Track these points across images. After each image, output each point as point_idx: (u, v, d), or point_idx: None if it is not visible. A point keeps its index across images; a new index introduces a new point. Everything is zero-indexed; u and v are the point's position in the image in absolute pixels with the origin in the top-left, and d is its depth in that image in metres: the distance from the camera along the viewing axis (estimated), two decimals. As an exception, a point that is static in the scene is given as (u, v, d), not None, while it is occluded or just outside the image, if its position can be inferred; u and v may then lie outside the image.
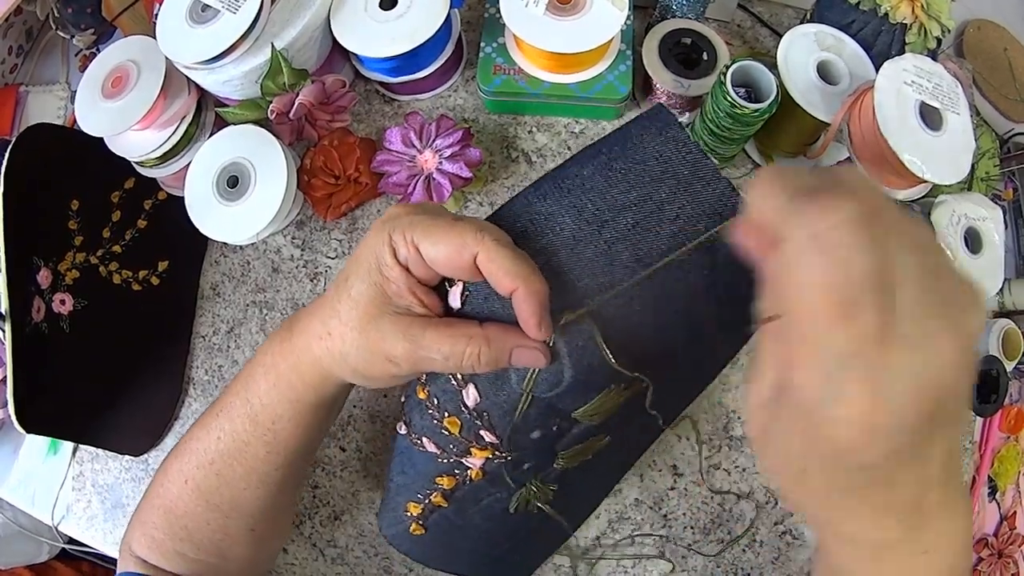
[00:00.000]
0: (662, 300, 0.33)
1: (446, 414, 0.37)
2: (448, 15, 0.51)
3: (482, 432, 0.36)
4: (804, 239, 0.20)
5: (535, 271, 0.30)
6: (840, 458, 0.21)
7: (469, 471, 0.39)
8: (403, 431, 0.39)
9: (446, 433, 0.37)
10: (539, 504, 0.42)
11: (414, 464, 0.40)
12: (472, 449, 0.38)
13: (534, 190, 0.33)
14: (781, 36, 0.51)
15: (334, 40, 0.52)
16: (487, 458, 0.38)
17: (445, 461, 0.39)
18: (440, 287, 0.33)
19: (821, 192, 0.20)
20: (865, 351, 0.19)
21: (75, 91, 0.52)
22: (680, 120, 0.32)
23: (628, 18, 0.54)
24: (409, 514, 0.42)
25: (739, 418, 0.54)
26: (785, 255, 0.20)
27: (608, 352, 0.31)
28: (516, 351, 0.32)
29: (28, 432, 0.48)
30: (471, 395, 0.35)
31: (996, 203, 0.55)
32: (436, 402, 0.37)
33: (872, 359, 0.19)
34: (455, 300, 0.33)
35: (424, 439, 0.38)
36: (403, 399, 0.39)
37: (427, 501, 0.41)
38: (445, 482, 0.40)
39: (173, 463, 0.40)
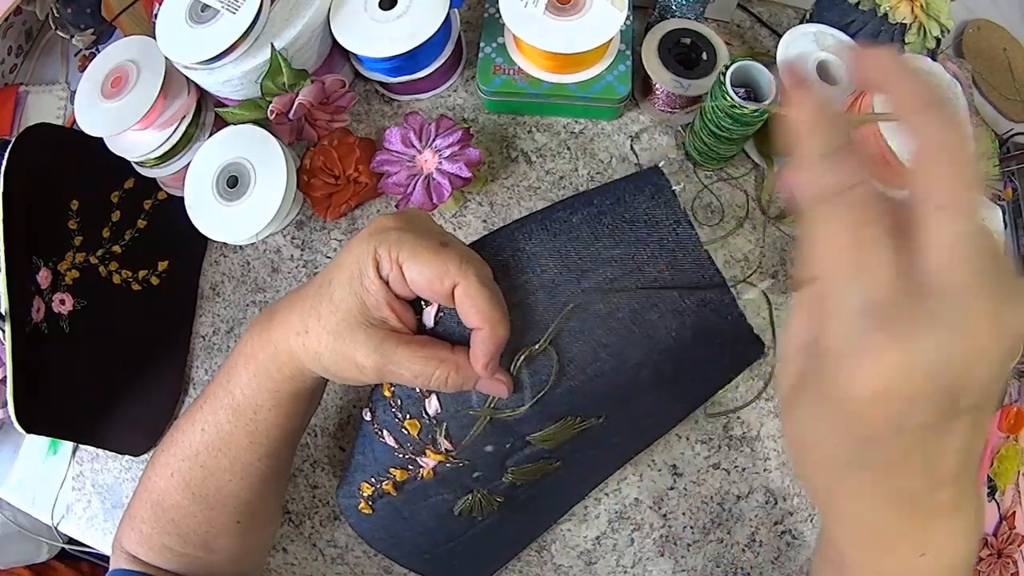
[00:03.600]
0: (626, 349, 0.34)
1: (407, 416, 0.38)
2: (448, 15, 0.51)
3: (439, 438, 0.38)
4: (831, 194, 0.20)
5: (504, 318, 0.31)
6: (852, 424, 0.21)
7: (422, 469, 0.40)
8: (367, 417, 0.41)
9: (405, 432, 0.38)
10: (482, 513, 0.44)
11: (373, 449, 0.41)
12: (427, 451, 0.39)
13: (520, 227, 0.34)
14: (781, 36, 0.51)
15: (334, 40, 0.52)
16: (440, 461, 0.39)
17: (401, 456, 0.40)
18: (416, 303, 0.34)
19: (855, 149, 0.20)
20: (892, 306, 0.19)
21: (75, 91, 0.52)
22: (675, 187, 0.34)
23: (628, 18, 0.54)
24: (361, 492, 0.44)
25: (739, 419, 0.54)
26: (813, 208, 0.21)
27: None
28: (482, 381, 0.33)
29: (28, 432, 0.47)
30: (432, 405, 0.37)
31: (995, 203, 0.55)
32: (399, 403, 0.38)
33: (899, 316, 0.19)
34: (429, 319, 0.34)
35: (385, 431, 0.40)
36: (372, 387, 0.40)
37: (379, 486, 0.42)
38: (398, 474, 0.41)
39: (160, 456, 0.41)
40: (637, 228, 0.33)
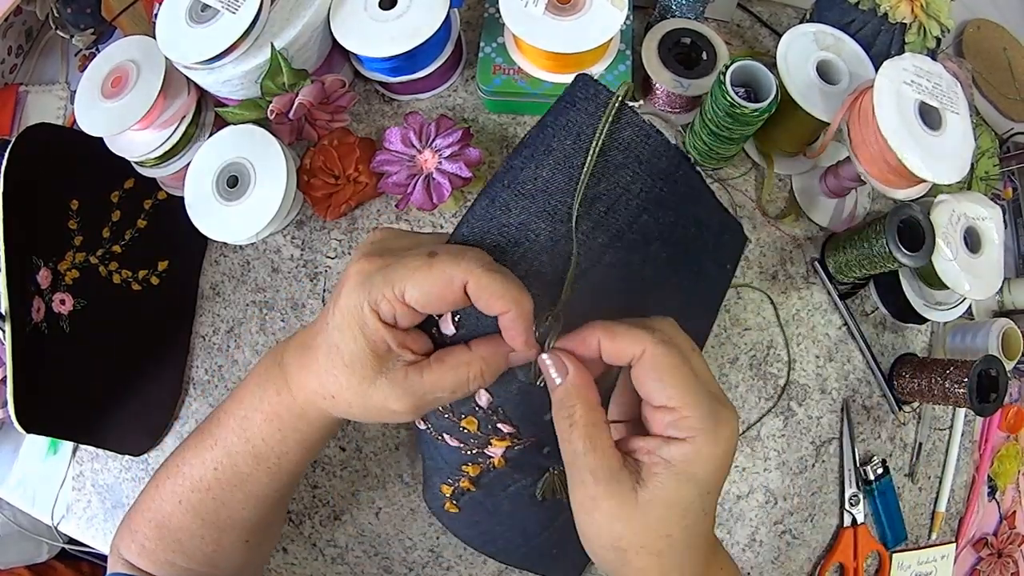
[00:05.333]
0: (630, 257, 0.34)
1: (462, 415, 0.38)
2: (448, 15, 0.51)
3: (499, 425, 0.37)
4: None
5: (523, 291, 0.30)
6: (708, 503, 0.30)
7: (492, 459, 0.40)
8: (422, 426, 0.40)
9: (465, 431, 0.38)
10: (564, 493, 0.43)
11: (440, 453, 0.41)
12: (492, 440, 0.39)
13: (491, 202, 0.33)
14: (781, 36, 0.51)
15: (334, 40, 0.52)
16: (507, 446, 0.39)
17: (468, 453, 0.40)
18: (426, 322, 0.33)
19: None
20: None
21: (75, 91, 0.52)
22: (621, 98, 0.33)
23: (628, 18, 0.54)
24: (443, 494, 0.44)
25: (739, 419, 0.54)
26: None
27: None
28: (511, 355, 0.33)
29: (28, 432, 0.47)
30: (483, 397, 0.36)
31: (996, 202, 0.55)
32: (449, 406, 0.37)
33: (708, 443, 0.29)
34: (448, 327, 0.33)
35: (444, 435, 0.39)
36: None
37: (456, 485, 0.43)
38: (471, 470, 0.41)
39: (165, 482, 0.40)
40: (612, 157, 0.32)
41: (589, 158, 0.32)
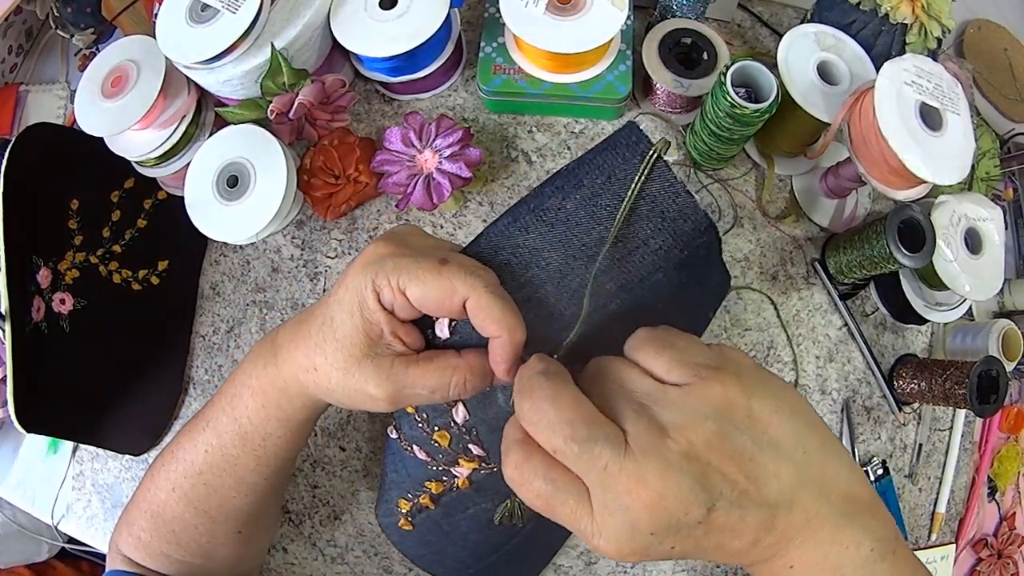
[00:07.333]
0: (637, 313, 0.34)
1: (436, 428, 0.38)
2: (448, 15, 0.51)
3: (470, 445, 0.38)
4: (510, 475, 0.29)
5: (520, 321, 0.31)
6: (647, 528, 0.27)
7: (456, 479, 0.40)
8: (394, 435, 0.40)
9: (435, 445, 0.38)
10: (522, 519, 0.43)
11: (405, 466, 0.41)
12: (460, 460, 0.39)
13: (513, 221, 0.33)
14: (781, 36, 0.51)
15: (334, 40, 0.52)
16: (474, 468, 0.39)
17: (434, 468, 0.40)
18: (423, 321, 0.34)
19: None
20: (582, 524, 0.27)
21: (75, 91, 0.52)
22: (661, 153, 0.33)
23: (628, 18, 0.54)
24: (400, 509, 0.43)
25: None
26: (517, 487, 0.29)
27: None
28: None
29: (28, 432, 0.47)
30: (460, 413, 0.36)
31: (996, 203, 0.55)
32: (425, 416, 0.38)
33: (591, 528, 0.27)
34: (443, 331, 0.34)
35: (415, 447, 0.39)
36: None
37: (416, 501, 0.42)
38: (433, 487, 0.41)
39: (160, 470, 0.40)
40: (637, 205, 0.33)
41: (619, 214, 0.32)
